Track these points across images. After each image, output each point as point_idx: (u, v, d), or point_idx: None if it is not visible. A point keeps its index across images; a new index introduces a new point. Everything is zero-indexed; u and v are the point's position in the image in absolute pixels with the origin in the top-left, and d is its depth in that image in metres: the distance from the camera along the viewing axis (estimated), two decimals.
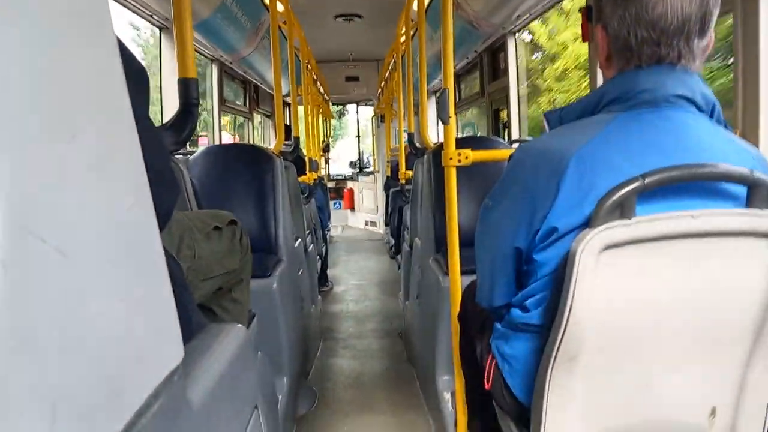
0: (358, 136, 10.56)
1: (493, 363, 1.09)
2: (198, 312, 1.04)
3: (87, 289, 0.45)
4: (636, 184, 0.85)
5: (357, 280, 5.44)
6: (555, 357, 0.90)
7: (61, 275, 0.41)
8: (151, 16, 3.26)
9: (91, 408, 0.44)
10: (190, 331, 0.88)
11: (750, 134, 1.52)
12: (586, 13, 1.12)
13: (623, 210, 0.85)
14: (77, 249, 0.43)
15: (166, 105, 3.53)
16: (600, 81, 1.09)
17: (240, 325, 1.00)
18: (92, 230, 0.47)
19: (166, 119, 3.38)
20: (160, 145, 0.97)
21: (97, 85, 0.52)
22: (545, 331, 0.93)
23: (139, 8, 3.10)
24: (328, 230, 6.77)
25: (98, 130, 0.50)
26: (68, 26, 0.48)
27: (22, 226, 0.37)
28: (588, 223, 0.88)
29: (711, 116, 0.98)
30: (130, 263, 0.54)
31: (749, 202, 0.89)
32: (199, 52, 4.21)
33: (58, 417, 0.39)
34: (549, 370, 0.91)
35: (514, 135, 4.19)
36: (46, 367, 0.39)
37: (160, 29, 3.52)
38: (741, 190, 0.91)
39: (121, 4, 2.95)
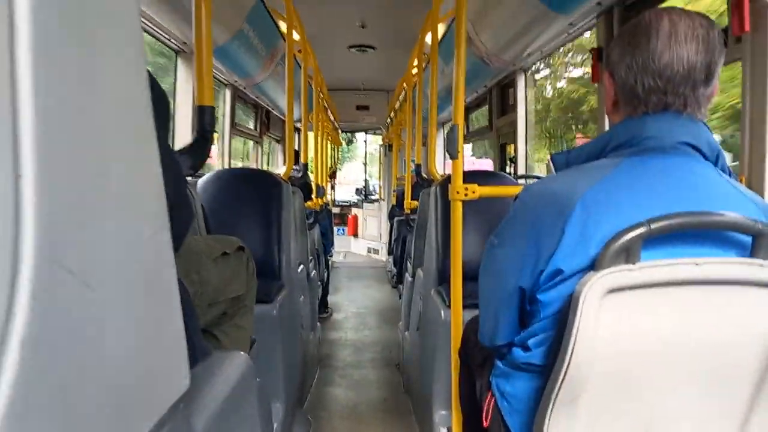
0: (365, 164, 10.62)
1: (493, 401, 1.09)
2: (201, 338, 1.04)
3: (104, 320, 0.46)
4: (642, 230, 0.86)
5: (357, 308, 5.41)
6: (555, 398, 0.90)
7: (83, 307, 0.42)
8: (169, 39, 3.32)
9: None
10: (193, 358, 0.89)
11: (755, 183, 1.53)
12: (597, 53, 1.14)
13: (628, 254, 0.86)
14: (100, 280, 0.44)
15: (178, 129, 3.56)
16: (607, 121, 1.11)
17: (243, 353, 1.01)
18: (114, 260, 0.48)
19: (177, 140, 3.43)
20: (177, 170, 0.99)
21: (125, 115, 0.54)
22: (547, 372, 0.93)
23: (156, 31, 3.16)
24: (331, 256, 6.76)
25: (126, 161, 0.52)
26: (100, 60, 0.49)
27: (54, 259, 0.38)
28: (593, 266, 0.89)
29: (715, 164, 1.00)
30: (147, 292, 0.55)
31: (754, 252, 0.90)
32: (213, 77, 4.26)
33: None
34: (549, 411, 0.91)
35: (521, 170, 4.21)
36: (65, 395, 0.40)
37: (176, 53, 3.58)
38: (746, 239, 0.92)
39: None
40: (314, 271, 3.83)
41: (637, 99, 0.99)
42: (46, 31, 0.40)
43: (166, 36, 3.27)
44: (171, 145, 3.16)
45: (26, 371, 0.35)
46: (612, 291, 0.85)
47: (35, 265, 0.36)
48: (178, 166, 0.97)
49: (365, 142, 10.42)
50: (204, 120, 1.48)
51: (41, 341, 0.37)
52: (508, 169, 4.57)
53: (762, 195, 1.47)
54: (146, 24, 3.01)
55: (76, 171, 0.43)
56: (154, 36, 3.22)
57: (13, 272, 0.36)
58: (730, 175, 1.02)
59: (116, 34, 0.52)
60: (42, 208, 0.37)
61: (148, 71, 0.84)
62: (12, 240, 0.36)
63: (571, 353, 0.86)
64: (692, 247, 0.91)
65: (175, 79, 3.60)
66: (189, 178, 2.52)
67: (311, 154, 4.82)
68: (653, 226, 0.86)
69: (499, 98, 4.77)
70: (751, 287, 0.89)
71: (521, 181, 3.73)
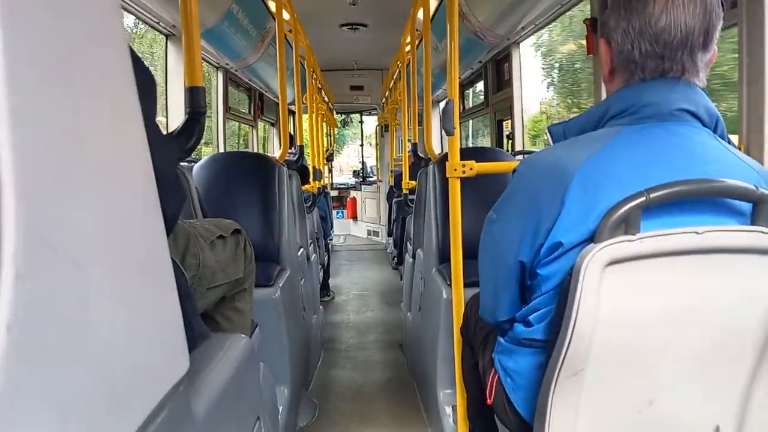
0: (362, 145, 10.58)
1: (496, 377, 1.09)
2: (200, 321, 1.03)
3: (97, 300, 0.45)
4: (640, 200, 0.85)
5: (359, 290, 5.43)
6: (559, 372, 0.90)
7: (73, 286, 0.41)
8: (158, 23, 3.29)
9: (100, 418, 0.44)
10: (192, 341, 0.88)
11: (754, 150, 1.51)
12: (591, 24, 1.12)
13: (628, 225, 0.85)
14: (89, 259, 0.44)
15: (171, 112, 3.54)
16: (604, 93, 1.09)
17: (243, 335, 1.00)
18: (103, 239, 0.47)
19: (171, 126, 3.41)
20: (168, 151, 0.97)
21: (108, 93, 0.53)
22: (549, 346, 0.93)
23: (145, 15, 3.12)
24: (331, 239, 6.77)
25: (110, 138, 0.51)
26: (80, 34, 0.48)
27: (38, 237, 0.37)
28: (593, 238, 0.88)
29: (714, 131, 0.98)
30: (139, 272, 0.54)
31: (754, 219, 0.89)
32: (205, 60, 4.23)
33: (67, 428, 0.39)
34: (552, 386, 0.91)
35: (518, 146, 4.20)
36: (57, 378, 0.39)
37: (167, 36, 3.54)
38: (746, 206, 0.91)
39: (128, 11, 2.98)
40: (314, 254, 3.83)
41: (634, 65, 0.97)
42: (19, 7, 0.38)
43: (156, 20, 3.23)
44: (163, 128, 3.14)
45: (14, 355, 0.35)
46: (612, 262, 0.84)
47: (18, 243, 0.35)
48: (167, 147, 0.96)
49: (361, 122, 10.36)
50: (195, 101, 1.46)
51: (29, 324, 0.36)
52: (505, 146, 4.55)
53: (761, 162, 1.46)
54: (135, 8, 2.97)
55: (58, 148, 0.42)
56: (143, 20, 3.18)
57: None
58: (729, 142, 1.00)
59: (95, 8, 0.51)
60: (23, 186, 0.36)
61: (135, 53, 0.82)
62: None
63: (573, 326, 0.86)
64: (692, 215, 0.90)
65: (166, 64, 3.57)
66: (184, 162, 2.51)
67: (307, 136, 4.78)
68: (652, 195, 0.85)
69: (494, 74, 4.73)
70: (752, 255, 0.89)
71: (519, 157, 3.71)
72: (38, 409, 0.37)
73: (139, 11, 3.02)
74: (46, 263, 0.38)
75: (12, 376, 0.34)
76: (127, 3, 2.86)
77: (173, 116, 3.52)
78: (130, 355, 0.50)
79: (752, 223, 0.89)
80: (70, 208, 0.42)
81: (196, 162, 2.68)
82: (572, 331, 0.86)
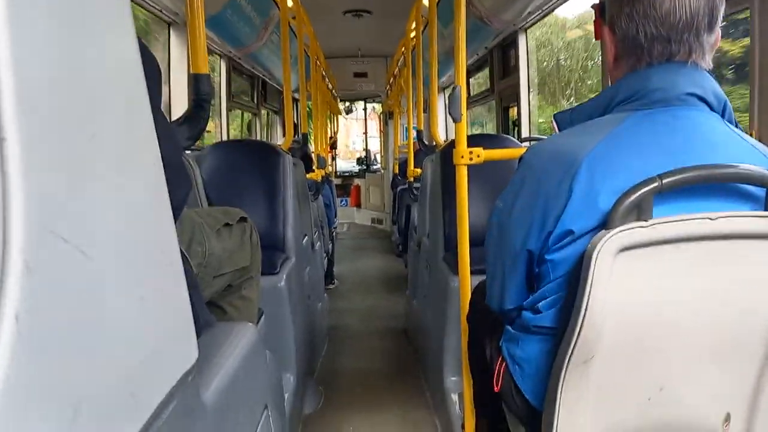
0: (366, 133, 10.55)
1: (503, 365, 1.08)
2: (206, 310, 1.03)
3: (106, 290, 0.44)
4: (653, 185, 0.83)
5: (362, 278, 5.44)
6: (569, 359, 0.89)
7: (82, 276, 0.41)
8: (161, 11, 3.27)
9: (110, 408, 0.44)
10: (197, 330, 0.88)
11: (766, 135, 1.49)
12: (599, 9, 1.10)
13: (640, 211, 0.84)
14: (98, 248, 0.43)
15: (174, 101, 3.53)
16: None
17: (251, 324, 1.00)
18: (112, 228, 0.46)
19: (174, 114, 3.40)
20: (173, 138, 0.97)
21: (117, 81, 0.52)
22: (558, 334, 0.92)
23: (148, 3, 3.10)
24: (335, 227, 6.78)
25: (118, 127, 0.50)
26: (88, 23, 0.47)
27: (46, 226, 0.37)
28: (603, 224, 0.87)
29: (722, 115, 0.97)
30: (148, 262, 0.53)
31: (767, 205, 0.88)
32: (208, 48, 4.21)
33: (78, 419, 0.39)
34: (562, 373, 0.90)
35: (524, 133, 4.17)
36: (68, 369, 0.38)
37: (169, 25, 3.52)
38: (758, 191, 0.90)
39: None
40: (319, 242, 3.83)
41: (640, 49, 0.95)
42: None
43: (158, 7, 3.21)
44: (168, 116, 3.13)
45: (24, 345, 0.34)
46: (625, 249, 0.83)
47: (26, 233, 0.34)
48: (173, 135, 0.95)
49: (365, 110, 10.32)
50: (200, 88, 1.45)
51: (38, 314, 0.35)
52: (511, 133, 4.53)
53: None
54: None
55: (65, 135, 0.41)
56: (145, 8, 3.16)
57: (2, 242, 0.34)
58: (736, 126, 0.99)
59: None
60: (30, 174, 0.35)
61: (139, 39, 0.81)
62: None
63: (584, 313, 0.85)
64: (704, 201, 0.89)
65: (169, 53, 3.55)
66: (188, 151, 2.51)
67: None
68: (665, 180, 0.83)
69: (500, 60, 4.70)
70: (765, 241, 0.87)
71: (526, 143, 3.68)
72: (49, 399, 0.37)
73: None
74: (55, 254, 0.38)
75: (22, 366, 0.34)
76: None
77: (177, 107, 3.51)
78: (140, 344, 0.50)
79: (765, 209, 0.88)
80: (78, 198, 0.42)
81: (201, 150, 2.67)
82: (583, 318, 0.85)
